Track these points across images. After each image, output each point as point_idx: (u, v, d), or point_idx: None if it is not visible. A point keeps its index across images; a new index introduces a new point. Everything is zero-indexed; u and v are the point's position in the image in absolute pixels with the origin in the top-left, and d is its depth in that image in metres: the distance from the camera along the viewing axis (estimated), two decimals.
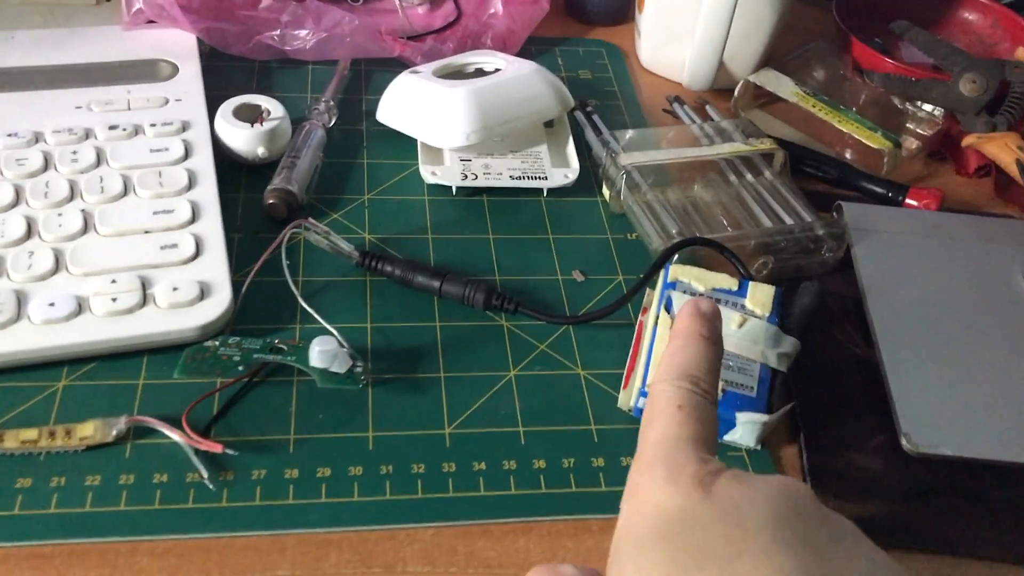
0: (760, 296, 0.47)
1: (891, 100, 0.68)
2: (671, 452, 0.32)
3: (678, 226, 0.54)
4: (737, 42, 0.65)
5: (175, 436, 0.42)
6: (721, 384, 0.44)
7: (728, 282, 0.48)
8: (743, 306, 0.47)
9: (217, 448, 0.42)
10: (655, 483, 0.31)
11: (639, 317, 0.49)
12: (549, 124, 0.62)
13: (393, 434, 0.44)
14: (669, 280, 0.48)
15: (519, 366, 0.48)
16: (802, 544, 0.29)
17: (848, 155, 0.66)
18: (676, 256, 0.51)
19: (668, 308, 0.47)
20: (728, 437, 0.45)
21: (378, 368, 0.47)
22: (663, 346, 0.45)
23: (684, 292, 0.47)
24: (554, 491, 0.43)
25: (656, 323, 0.46)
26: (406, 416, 0.45)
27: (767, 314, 0.47)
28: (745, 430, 0.44)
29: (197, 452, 0.42)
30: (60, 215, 0.49)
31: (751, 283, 0.48)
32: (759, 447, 0.45)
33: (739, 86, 0.67)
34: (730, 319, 0.46)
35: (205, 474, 0.41)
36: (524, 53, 0.68)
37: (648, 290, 0.50)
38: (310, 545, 0.40)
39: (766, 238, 0.54)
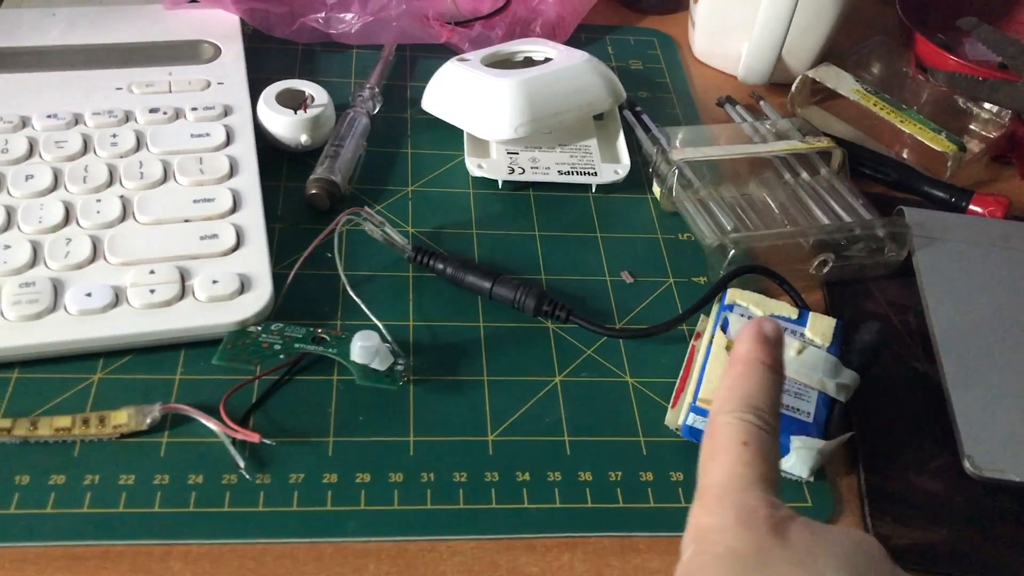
0: (820, 326, 0.46)
1: (954, 100, 0.65)
2: (740, 493, 0.31)
3: (733, 223, 0.52)
4: (796, 36, 0.63)
5: (211, 424, 0.41)
6: None
7: (788, 310, 0.46)
8: (803, 335, 0.45)
9: (254, 437, 0.40)
10: (726, 525, 0.30)
11: (691, 342, 0.48)
12: (598, 117, 0.60)
13: (434, 439, 0.43)
14: (727, 303, 0.46)
15: (565, 372, 0.46)
16: None
17: (905, 156, 0.63)
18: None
19: (724, 328, 0.45)
20: (780, 464, 0.43)
21: (419, 367, 0.46)
22: (717, 365, 0.43)
23: (741, 315, 0.46)
24: (600, 506, 0.41)
25: (711, 342, 0.44)
26: (448, 420, 0.44)
27: (827, 344, 0.45)
28: (799, 456, 0.42)
29: (234, 442, 0.41)
30: (99, 201, 0.48)
31: (811, 313, 0.46)
32: (812, 478, 0.43)
33: (797, 81, 0.64)
34: (789, 346, 0.44)
35: (242, 464, 0.40)
36: (574, 41, 0.66)
37: (703, 316, 0.48)
38: (348, 555, 0.39)
39: (825, 235, 0.52)
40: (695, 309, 0.48)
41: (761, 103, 0.64)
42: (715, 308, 0.47)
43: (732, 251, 0.49)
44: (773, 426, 0.33)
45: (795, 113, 0.65)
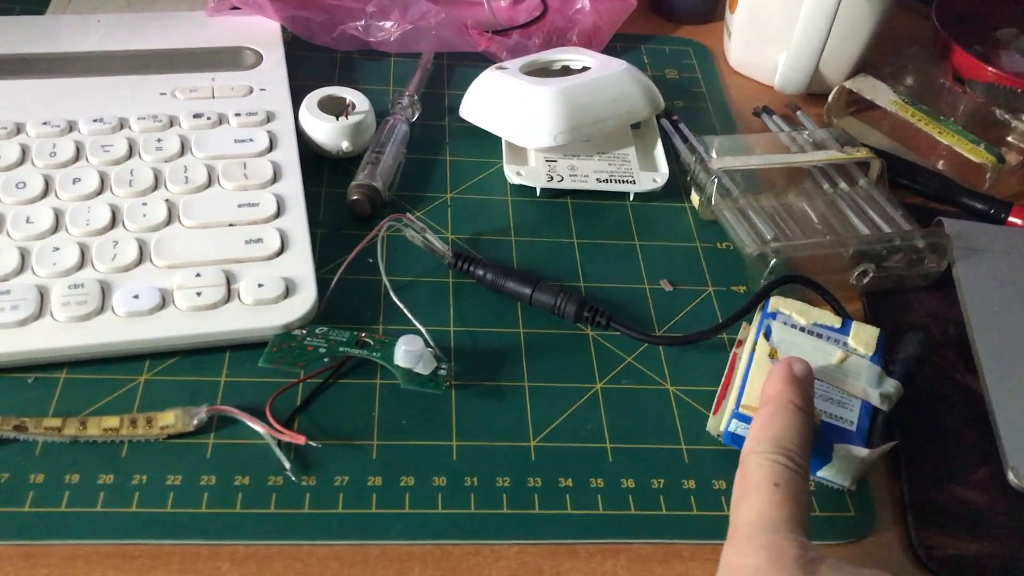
0: (864, 336, 0.45)
1: (991, 111, 0.65)
2: (771, 534, 0.31)
3: (774, 231, 0.52)
4: (834, 46, 0.63)
5: (257, 427, 0.41)
6: (819, 415, 0.42)
7: (831, 319, 0.46)
8: (846, 343, 0.45)
9: (300, 440, 0.41)
10: (758, 566, 0.30)
11: (733, 350, 0.48)
12: (636, 126, 0.60)
13: (477, 444, 0.43)
14: (769, 311, 0.46)
15: (606, 379, 0.46)
16: None
17: (941, 167, 0.63)
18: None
19: (768, 336, 0.45)
20: (822, 473, 0.42)
21: (461, 372, 0.46)
22: (760, 373, 0.43)
23: (784, 323, 0.45)
24: (643, 512, 0.41)
25: (754, 350, 0.44)
26: (490, 425, 0.44)
27: (870, 354, 0.45)
28: (841, 465, 0.42)
29: (280, 444, 0.41)
30: (145, 204, 0.48)
31: (854, 323, 0.46)
32: (854, 487, 0.43)
33: (834, 92, 0.64)
34: (831, 354, 0.44)
35: (287, 465, 0.41)
36: (609, 51, 0.67)
37: (744, 324, 0.48)
38: (393, 558, 0.39)
39: (865, 246, 0.52)
40: (737, 317, 0.48)
41: (798, 113, 0.64)
42: (757, 316, 0.47)
43: (773, 260, 0.49)
44: (803, 467, 0.34)
45: (831, 124, 0.65)
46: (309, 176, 0.53)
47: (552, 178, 0.55)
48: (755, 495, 0.33)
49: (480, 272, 0.49)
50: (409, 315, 0.47)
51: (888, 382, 0.44)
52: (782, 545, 0.31)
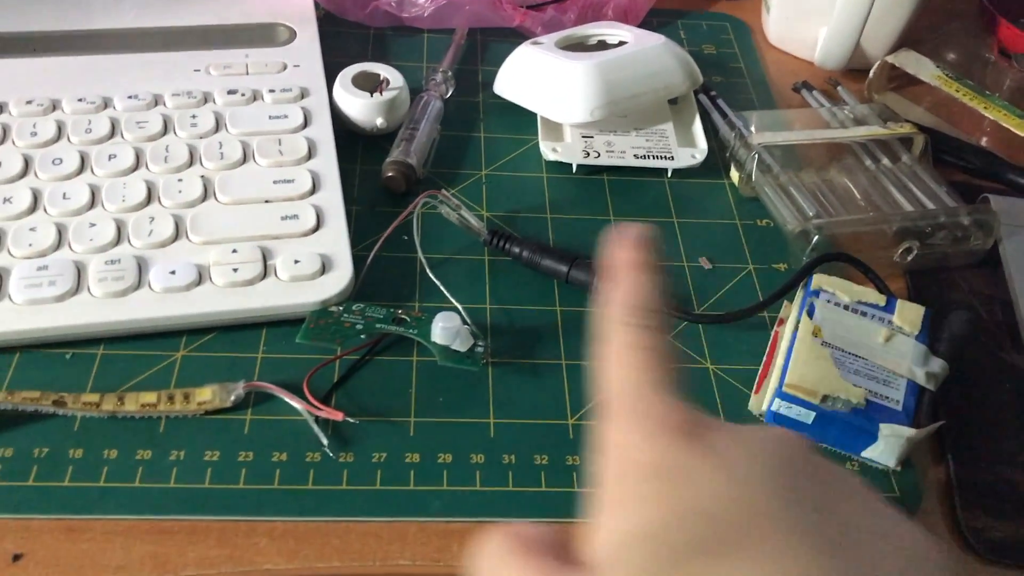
0: (909, 314, 0.44)
1: None
2: (646, 401, 0.28)
3: (816, 208, 0.51)
4: (876, 20, 0.61)
5: (295, 403, 0.41)
6: (864, 394, 0.41)
7: (875, 296, 0.45)
8: (890, 322, 0.44)
9: (338, 416, 0.41)
10: (638, 440, 0.27)
11: (774, 328, 0.47)
12: (673, 101, 0.59)
13: (515, 422, 0.43)
14: (812, 288, 0.45)
15: None
16: (807, 498, 0.26)
17: (985, 143, 0.62)
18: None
19: (811, 314, 0.44)
20: (867, 453, 0.42)
21: (497, 349, 0.45)
22: (804, 351, 0.43)
23: (828, 301, 0.45)
24: None
25: (797, 327, 0.43)
26: (527, 403, 0.43)
27: (915, 332, 0.44)
28: (887, 445, 0.41)
29: (317, 420, 0.41)
30: (180, 180, 0.48)
31: (899, 301, 0.45)
32: (899, 468, 0.42)
33: (875, 67, 0.63)
34: (877, 333, 0.43)
35: (325, 441, 0.40)
36: (645, 25, 0.65)
37: (785, 303, 0.47)
38: (431, 534, 0.39)
39: (909, 223, 0.51)
40: (779, 295, 0.47)
41: (838, 88, 0.62)
42: (800, 294, 0.46)
43: (816, 237, 0.48)
44: (659, 325, 0.31)
45: (872, 99, 0.63)
46: (343, 153, 0.52)
47: (588, 154, 0.54)
48: (619, 363, 0.29)
49: (516, 249, 0.49)
50: (445, 292, 0.46)
51: (934, 361, 0.44)
52: (661, 412, 0.27)
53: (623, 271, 0.33)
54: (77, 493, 0.38)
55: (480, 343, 0.44)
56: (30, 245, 0.44)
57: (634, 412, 0.28)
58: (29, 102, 0.51)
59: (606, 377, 0.30)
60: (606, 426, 0.29)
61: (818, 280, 0.46)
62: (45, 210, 0.46)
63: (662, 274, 0.33)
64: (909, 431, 0.41)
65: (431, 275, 0.47)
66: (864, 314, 0.45)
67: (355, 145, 0.55)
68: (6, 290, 0.43)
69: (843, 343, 0.43)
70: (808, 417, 0.42)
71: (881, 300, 0.45)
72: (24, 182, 0.47)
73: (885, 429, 0.41)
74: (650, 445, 0.27)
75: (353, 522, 0.39)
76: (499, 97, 0.59)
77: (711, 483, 0.26)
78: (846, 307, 0.45)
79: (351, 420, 0.41)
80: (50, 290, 0.42)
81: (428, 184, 0.53)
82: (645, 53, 0.56)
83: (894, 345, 0.44)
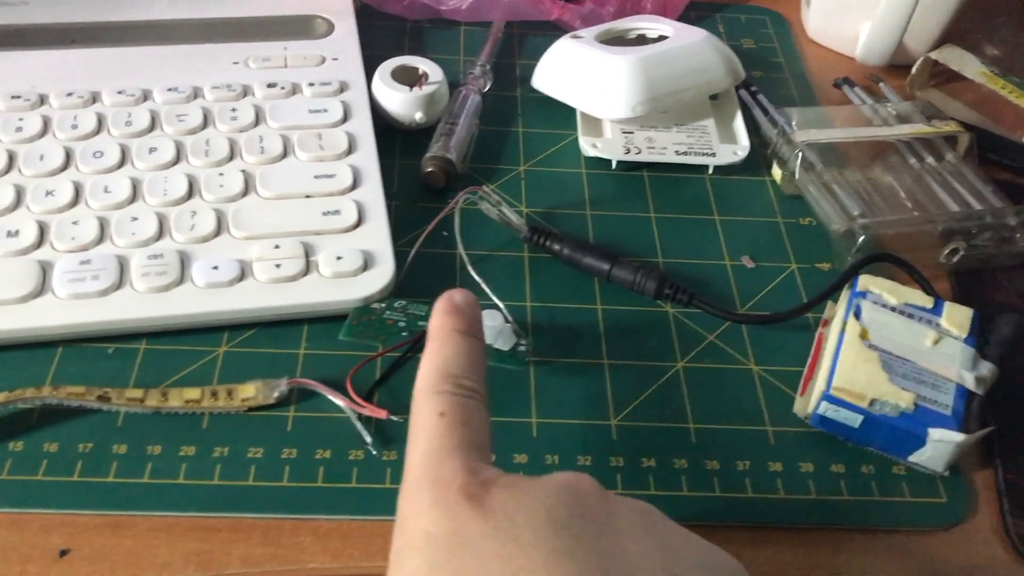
0: (957, 317, 0.44)
1: None
2: (436, 468, 0.28)
3: (860, 208, 0.50)
4: (920, 15, 0.61)
5: (338, 400, 0.41)
6: (913, 398, 0.41)
7: (923, 299, 0.44)
8: (938, 324, 0.44)
9: (382, 414, 0.40)
10: (421, 509, 0.27)
11: (819, 329, 0.46)
12: (713, 97, 0.59)
13: (557, 422, 0.42)
14: (859, 289, 0.45)
15: (687, 357, 0.45)
16: (584, 550, 0.26)
17: None
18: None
19: (857, 315, 0.43)
20: (914, 457, 0.41)
21: (539, 348, 0.45)
22: (851, 353, 0.42)
23: (875, 303, 0.44)
24: (729, 495, 0.40)
25: (843, 330, 0.43)
26: (570, 403, 0.43)
27: (964, 335, 0.43)
28: (935, 450, 0.40)
29: (360, 418, 0.41)
30: (221, 175, 0.48)
31: (947, 303, 0.44)
32: (947, 472, 0.42)
33: (918, 63, 0.62)
34: (924, 336, 0.43)
35: (369, 439, 0.40)
36: (684, 19, 0.65)
37: (830, 303, 0.47)
38: None
39: (954, 223, 0.50)
40: (825, 295, 0.46)
41: (880, 85, 0.62)
42: (846, 294, 0.46)
43: (861, 237, 0.48)
44: (475, 390, 0.31)
45: (914, 96, 0.63)
46: (381, 147, 0.52)
47: (629, 150, 0.54)
48: (421, 433, 0.30)
49: (557, 247, 0.48)
50: (487, 289, 0.46)
51: (983, 365, 0.43)
52: (446, 478, 0.27)
53: (444, 338, 0.33)
54: (122, 489, 0.38)
55: (523, 342, 0.44)
56: (73, 239, 0.44)
57: (423, 480, 0.28)
58: (69, 94, 0.51)
59: (411, 448, 0.30)
60: (402, 495, 0.29)
61: (864, 281, 0.45)
62: (87, 203, 0.46)
63: (479, 340, 0.33)
64: (959, 436, 0.40)
65: (472, 272, 0.47)
66: (911, 316, 0.44)
67: (393, 139, 0.55)
68: (49, 284, 0.42)
69: (890, 346, 0.43)
70: (855, 421, 0.41)
71: (928, 302, 0.45)
72: (66, 175, 0.47)
73: (935, 434, 0.40)
74: (431, 514, 0.27)
75: None
76: (537, 91, 0.58)
77: (491, 546, 0.26)
78: (893, 309, 0.44)
79: (395, 418, 0.41)
80: (93, 284, 0.42)
81: (467, 179, 0.53)
82: (687, 48, 0.55)
83: (942, 348, 0.43)
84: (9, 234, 0.44)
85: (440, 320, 0.33)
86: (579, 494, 0.28)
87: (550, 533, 0.26)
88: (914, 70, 0.62)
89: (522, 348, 0.43)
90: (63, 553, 0.36)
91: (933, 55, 0.62)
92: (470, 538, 0.26)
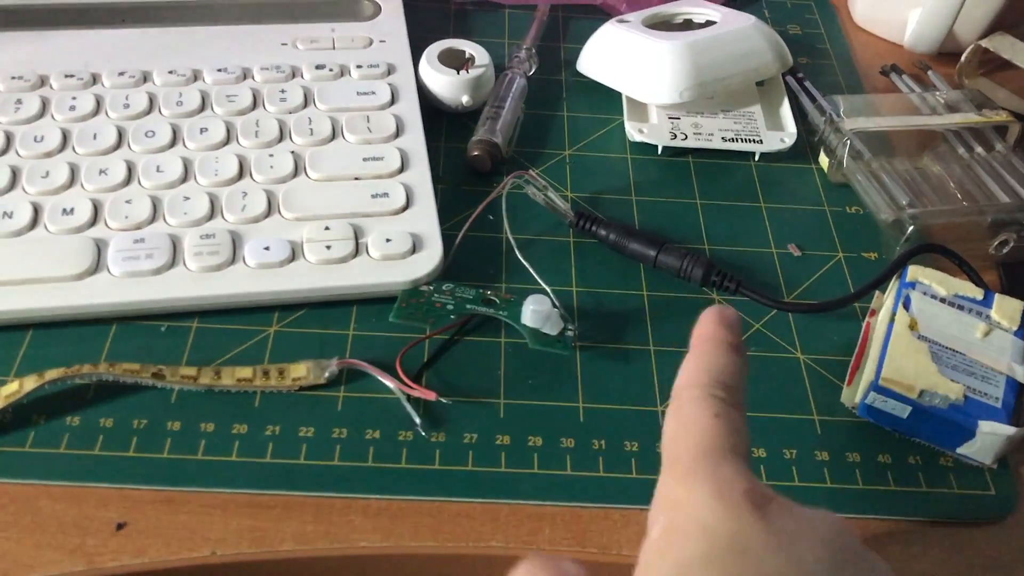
0: (1008, 309, 0.43)
1: None
2: (715, 465, 0.28)
3: (908, 197, 0.50)
4: (972, 2, 0.60)
5: (387, 381, 0.41)
6: (962, 390, 0.40)
7: (972, 290, 0.44)
8: (988, 316, 0.43)
9: (431, 396, 0.41)
10: (701, 499, 0.27)
11: (866, 319, 0.46)
12: (759, 83, 0.58)
13: (604, 407, 0.42)
14: (908, 280, 0.44)
15: None
16: None
17: None
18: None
19: (907, 306, 0.43)
20: (963, 449, 0.41)
21: (585, 333, 0.45)
22: (901, 344, 0.42)
23: (924, 294, 0.44)
24: (776, 483, 0.40)
25: (892, 320, 0.43)
26: (617, 389, 0.43)
27: (1014, 328, 0.43)
28: (985, 442, 0.40)
29: (409, 399, 0.41)
30: (271, 156, 0.48)
31: (997, 295, 0.44)
32: (995, 465, 0.42)
33: (968, 51, 0.61)
34: (974, 327, 0.43)
35: (418, 420, 0.41)
36: (730, 4, 0.64)
37: (877, 293, 0.47)
38: (523, 517, 0.39)
39: (1005, 214, 0.49)
40: (874, 285, 0.46)
41: (929, 73, 0.61)
42: (894, 285, 0.45)
43: (911, 227, 0.47)
44: (742, 405, 0.31)
45: (963, 84, 0.62)
46: (427, 131, 0.52)
47: (676, 136, 0.54)
48: (694, 427, 0.30)
49: (603, 232, 0.49)
50: (534, 274, 0.46)
51: None
52: (728, 477, 0.28)
53: (717, 345, 0.33)
54: (176, 465, 0.39)
55: (570, 327, 0.44)
56: (126, 217, 0.45)
57: (700, 472, 0.28)
58: (121, 74, 0.52)
59: (680, 437, 0.30)
60: (670, 480, 0.29)
61: (913, 272, 0.45)
62: (139, 183, 0.47)
63: (746, 358, 0.33)
64: (1010, 429, 0.40)
65: (519, 256, 0.47)
66: (961, 308, 0.44)
67: (438, 123, 0.55)
68: (104, 262, 0.43)
69: (940, 337, 0.42)
70: (903, 411, 0.41)
71: (978, 294, 0.44)
72: (118, 154, 0.48)
73: (985, 426, 0.40)
74: (712, 507, 0.27)
75: (446, 502, 0.39)
76: (581, 75, 0.58)
77: (773, 562, 0.26)
78: (943, 300, 0.44)
79: (444, 400, 0.41)
80: (147, 263, 0.43)
81: (512, 164, 0.53)
82: (736, 33, 0.55)
83: (992, 340, 0.43)
84: (65, 212, 0.44)
85: (713, 329, 0.34)
86: (853, 541, 0.28)
87: (831, 566, 0.26)
88: (963, 58, 0.62)
89: (570, 333, 0.43)
90: (120, 527, 0.37)
91: (983, 43, 0.61)
92: (751, 546, 0.26)
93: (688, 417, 0.31)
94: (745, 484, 0.28)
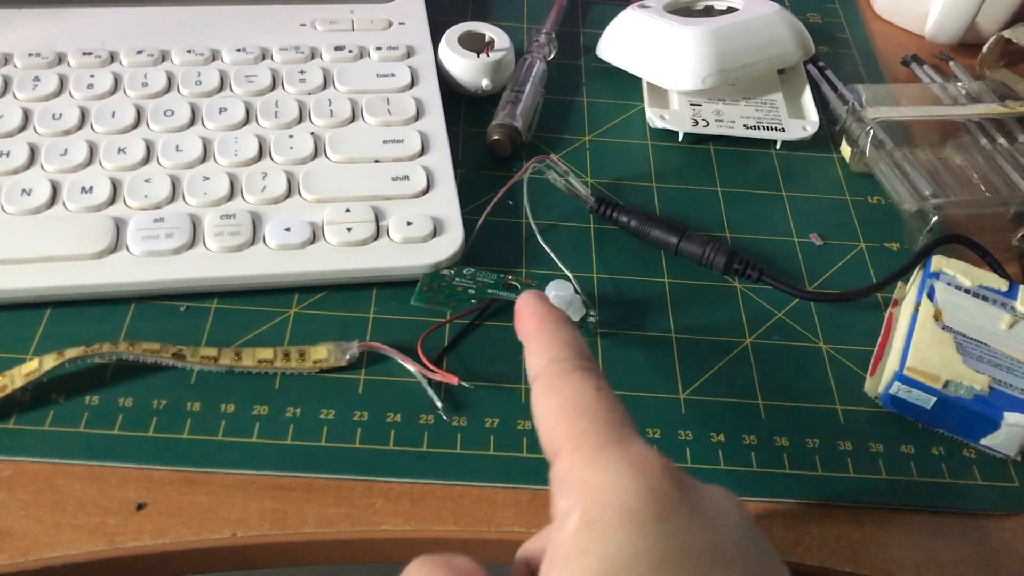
0: None
1: None
2: (620, 443, 0.27)
3: (932, 188, 0.49)
4: None
5: (409, 365, 0.41)
6: (988, 381, 0.40)
7: (997, 281, 0.44)
8: (1013, 307, 0.43)
9: (453, 379, 0.40)
10: (618, 481, 0.26)
11: (888, 309, 0.46)
12: (780, 71, 0.58)
13: (625, 394, 0.42)
14: (932, 270, 0.44)
15: (755, 334, 0.45)
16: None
17: None
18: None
19: (931, 296, 0.43)
20: (987, 440, 0.41)
21: (606, 320, 0.45)
22: (925, 334, 0.41)
23: (949, 284, 0.43)
24: (798, 472, 0.40)
25: (916, 310, 0.42)
26: (638, 376, 0.43)
27: None
28: (1010, 434, 0.40)
29: (431, 383, 0.41)
30: (291, 137, 0.48)
31: (1022, 287, 0.44)
32: (1019, 457, 0.41)
33: (990, 42, 0.61)
34: (999, 319, 0.42)
35: (440, 404, 0.40)
36: None
37: (900, 283, 0.46)
38: (545, 503, 0.38)
39: None
40: (897, 275, 0.46)
41: (950, 63, 0.61)
42: (918, 275, 0.45)
43: (934, 218, 0.47)
44: (598, 368, 0.31)
45: (984, 75, 0.61)
46: (446, 114, 0.52)
47: (697, 123, 0.53)
48: (581, 403, 0.28)
49: (624, 219, 0.48)
50: (556, 259, 0.46)
51: None
52: (641, 455, 0.26)
53: (549, 322, 0.33)
54: (196, 446, 0.38)
55: (592, 313, 0.43)
56: (146, 196, 0.44)
57: (609, 451, 0.27)
58: (139, 52, 0.51)
59: (570, 416, 0.29)
60: (578, 465, 0.27)
61: (937, 262, 0.45)
62: (159, 162, 0.46)
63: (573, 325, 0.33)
64: None
65: (541, 241, 0.46)
66: (986, 299, 0.43)
67: (458, 107, 0.54)
68: (124, 241, 0.43)
69: (964, 328, 0.42)
70: (928, 402, 0.41)
71: (1003, 285, 0.44)
72: (137, 132, 0.48)
73: (1011, 418, 0.40)
74: (639, 491, 0.26)
75: (467, 486, 0.39)
76: (601, 61, 0.58)
77: (700, 541, 0.25)
78: (967, 291, 0.44)
79: (466, 384, 0.41)
80: (167, 243, 0.42)
81: (532, 148, 0.52)
82: (758, 21, 0.55)
83: (1017, 332, 0.42)
84: (84, 190, 0.44)
85: (543, 309, 0.34)
86: (748, 514, 0.28)
87: (750, 546, 0.27)
88: (985, 49, 0.61)
89: (592, 319, 0.43)
90: (140, 507, 0.37)
91: (1006, 34, 0.61)
92: (678, 528, 0.25)
93: (569, 393, 0.29)
94: (658, 459, 0.27)
